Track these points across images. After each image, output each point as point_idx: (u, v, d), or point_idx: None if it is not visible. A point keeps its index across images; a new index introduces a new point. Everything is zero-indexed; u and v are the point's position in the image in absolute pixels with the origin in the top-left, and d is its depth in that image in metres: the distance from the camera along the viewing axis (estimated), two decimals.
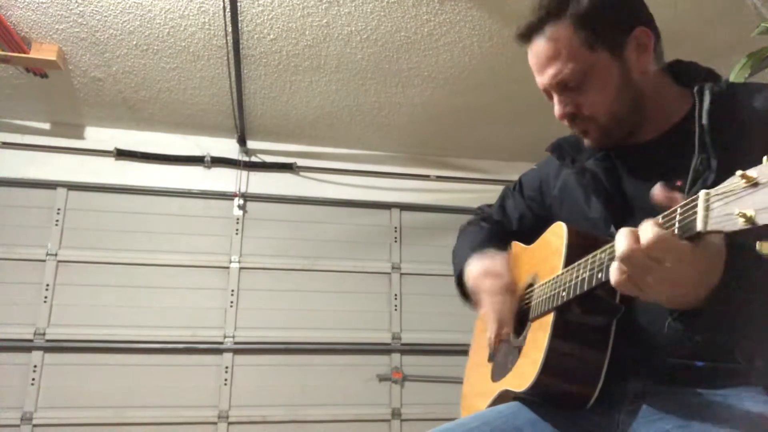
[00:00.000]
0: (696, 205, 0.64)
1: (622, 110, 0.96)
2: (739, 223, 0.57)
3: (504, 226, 1.31)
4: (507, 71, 2.89)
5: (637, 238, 0.69)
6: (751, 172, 0.57)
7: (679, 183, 0.89)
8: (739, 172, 0.58)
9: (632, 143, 1.01)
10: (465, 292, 1.23)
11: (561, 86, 0.97)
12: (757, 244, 0.57)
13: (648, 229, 0.68)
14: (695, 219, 0.64)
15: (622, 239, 0.70)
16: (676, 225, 0.67)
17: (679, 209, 0.68)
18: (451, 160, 3.85)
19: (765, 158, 0.57)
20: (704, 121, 0.87)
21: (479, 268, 1.14)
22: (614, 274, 0.72)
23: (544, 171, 1.23)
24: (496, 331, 1.07)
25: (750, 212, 0.56)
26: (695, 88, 0.91)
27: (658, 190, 0.72)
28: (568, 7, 0.94)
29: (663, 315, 0.80)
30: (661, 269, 0.68)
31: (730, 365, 0.83)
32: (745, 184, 0.57)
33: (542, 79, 0.99)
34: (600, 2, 0.94)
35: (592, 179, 1.02)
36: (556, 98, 1.00)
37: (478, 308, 1.17)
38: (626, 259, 0.69)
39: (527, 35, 0.99)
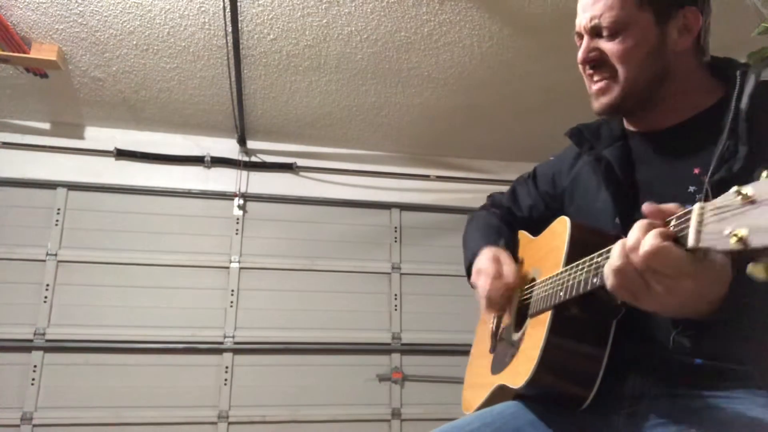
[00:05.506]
0: (689, 219, 0.62)
1: (645, 77, 0.95)
2: (731, 243, 0.54)
3: (513, 213, 1.30)
4: (507, 71, 2.89)
5: (633, 249, 0.67)
6: (747, 189, 0.54)
7: (696, 171, 0.87)
8: (734, 188, 0.56)
9: (652, 129, 0.99)
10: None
11: (595, 30, 0.96)
12: (749, 266, 0.54)
13: (648, 240, 0.65)
14: (686, 234, 0.62)
15: (616, 251, 0.69)
16: None
17: (674, 220, 0.66)
18: (451, 160, 3.85)
19: (764, 174, 0.54)
20: (743, 105, 0.85)
21: (485, 266, 1.13)
22: (609, 281, 0.71)
23: (558, 163, 1.21)
24: (486, 312, 1.10)
25: (743, 232, 0.53)
26: (738, 72, 0.90)
27: (646, 207, 0.69)
28: None
29: (665, 317, 0.79)
30: (659, 280, 0.66)
31: (729, 365, 0.82)
32: (742, 202, 0.54)
33: (581, 17, 0.98)
34: None
35: (606, 168, 1.01)
36: (584, 41, 0.99)
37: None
38: (618, 273, 0.69)
39: None
